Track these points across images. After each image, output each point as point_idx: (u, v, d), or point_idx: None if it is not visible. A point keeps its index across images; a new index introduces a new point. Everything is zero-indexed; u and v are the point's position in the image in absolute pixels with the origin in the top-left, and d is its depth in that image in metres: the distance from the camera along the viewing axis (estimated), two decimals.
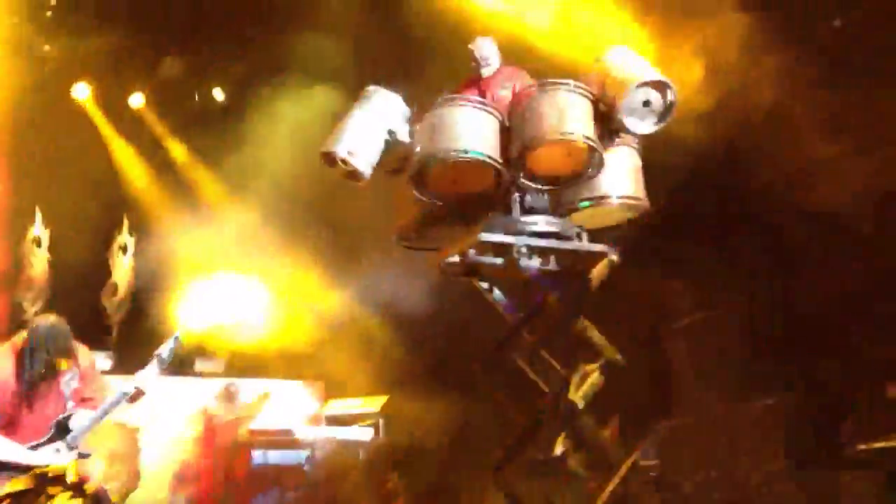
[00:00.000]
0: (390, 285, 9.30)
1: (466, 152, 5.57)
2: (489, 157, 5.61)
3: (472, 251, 5.81)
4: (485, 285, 6.32)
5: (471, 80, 6.40)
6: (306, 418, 10.38)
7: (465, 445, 8.88)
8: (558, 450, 5.73)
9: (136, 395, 4.87)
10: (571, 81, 5.66)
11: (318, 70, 10.03)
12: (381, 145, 5.79)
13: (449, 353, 9.25)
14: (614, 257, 5.91)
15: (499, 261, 5.82)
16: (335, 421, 9.44)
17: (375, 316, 9.88)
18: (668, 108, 5.57)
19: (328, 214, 10.29)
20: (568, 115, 5.53)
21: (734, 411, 6.99)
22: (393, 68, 6.03)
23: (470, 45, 6.38)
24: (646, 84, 5.51)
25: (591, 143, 5.57)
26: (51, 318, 4.96)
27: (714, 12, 7.06)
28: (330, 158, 5.76)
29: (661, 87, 5.53)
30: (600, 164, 5.71)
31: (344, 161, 5.69)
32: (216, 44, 10.91)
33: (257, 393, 10.76)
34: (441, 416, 9.14)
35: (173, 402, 10.50)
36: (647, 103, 5.55)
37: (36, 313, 11.18)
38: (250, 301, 11.27)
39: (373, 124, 5.77)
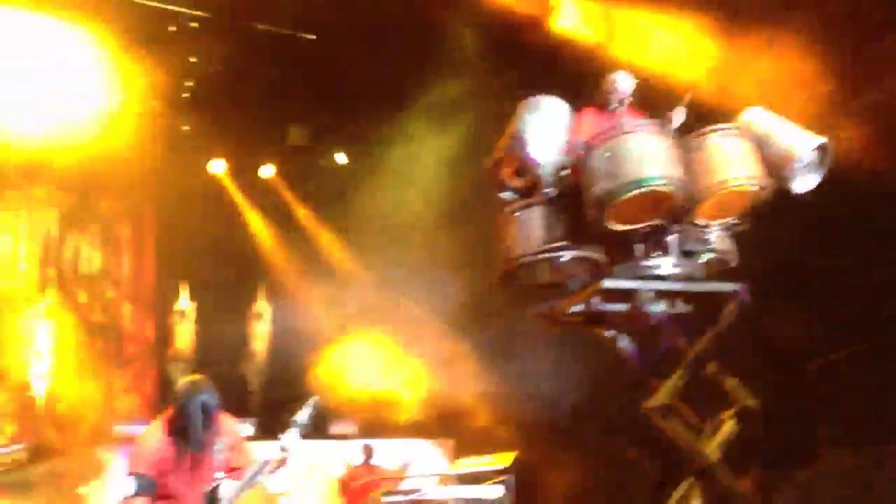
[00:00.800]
0: (519, 343, 9.17)
1: (676, 181, 5.18)
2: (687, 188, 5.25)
3: (595, 299, 5.58)
4: (610, 334, 5.99)
5: (600, 110, 5.98)
6: (436, 477, 10.30)
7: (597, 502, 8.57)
8: None
9: (279, 463, 4.76)
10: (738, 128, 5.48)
11: (437, 116, 9.95)
12: (561, 157, 5.33)
13: (580, 409, 8.97)
14: (745, 297, 5.59)
15: (623, 307, 5.56)
16: (465, 479, 9.29)
17: (505, 373, 9.72)
18: (824, 164, 5.51)
19: (459, 271, 10.17)
20: (754, 162, 5.37)
21: (880, 456, 6.47)
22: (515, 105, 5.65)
23: (610, 76, 6.01)
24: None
25: (768, 193, 5.43)
26: (199, 386, 4.80)
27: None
28: (502, 169, 5.37)
29: (821, 147, 5.47)
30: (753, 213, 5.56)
31: (521, 171, 5.30)
32: (336, 107, 11.11)
33: (397, 463, 10.76)
34: (573, 472, 8.86)
35: (312, 466, 10.65)
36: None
37: None
38: (381, 363, 11.42)
39: (549, 133, 5.34)
